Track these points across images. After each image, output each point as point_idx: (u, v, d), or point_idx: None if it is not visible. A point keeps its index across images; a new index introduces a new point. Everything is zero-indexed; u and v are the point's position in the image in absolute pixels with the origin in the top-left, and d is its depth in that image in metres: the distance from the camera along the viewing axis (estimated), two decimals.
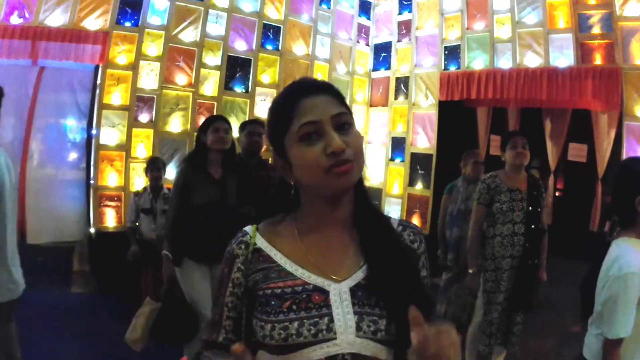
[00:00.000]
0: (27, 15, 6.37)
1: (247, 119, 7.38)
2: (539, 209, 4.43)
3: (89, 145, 7.29)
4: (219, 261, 3.45)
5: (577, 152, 9.87)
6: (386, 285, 1.28)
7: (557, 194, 10.65)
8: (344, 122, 1.28)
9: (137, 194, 6.13)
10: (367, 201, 1.41)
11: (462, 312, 5.39)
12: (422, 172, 8.40)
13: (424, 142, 8.39)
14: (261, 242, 1.37)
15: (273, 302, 1.25)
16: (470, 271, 4.49)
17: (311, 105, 1.27)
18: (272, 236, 1.38)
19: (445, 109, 8.28)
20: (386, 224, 1.42)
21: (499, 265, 4.33)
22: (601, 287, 2.37)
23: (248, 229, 1.41)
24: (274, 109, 1.37)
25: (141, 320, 4.20)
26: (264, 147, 5.08)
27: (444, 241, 5.78)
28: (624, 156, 6.22)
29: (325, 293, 1.27)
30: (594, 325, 2.46)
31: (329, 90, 1.32)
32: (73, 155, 7.51)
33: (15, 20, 6.33)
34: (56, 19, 6.47)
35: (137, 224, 6.05)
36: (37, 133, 7.16)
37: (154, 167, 6.03)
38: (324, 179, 1.24)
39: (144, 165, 6.73)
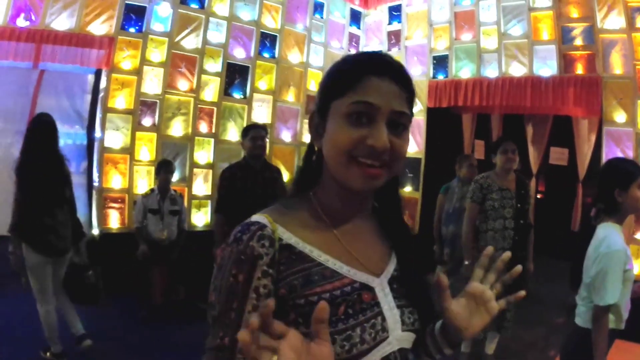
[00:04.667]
0: (33, 18, 6.40)
1: (244, 124, 7.66)
2: (527, 206, 4.86)
3: (90, 148, 7.48)
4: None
5: (558, 155, 10.26)
6: (415, 277, 1.25)
7: (538, 196, 11.01)
8: (400, 122, 1.13)
9: (145, 195, 6.31)
10: (396, 194, 1.33)
11: None
12: (411, 175, 8.68)
13: (412, 146, 8.64)
14: (287, 236, 1.12)
15: None
16: (466, 262, 4.87)
17: (378, 87, 1.10)
18: (294, 225, 1.15)
19: (433, 115, 8.57)
20: (404, 220, 1.35)
21: (492, 257, 4.68)
22: (591, 263, 2.84)
23: (260, 218, 1.13)
24: (338, 68, 1.18)
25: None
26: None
27: (440, 238, 6.11)
28: (604, 159, 6.59)
29: (371, 290, 1.15)
30: (584, 297, 2.92)
31: (405, 83, 1.15)
32: (76, 159, 7.72)
33: (21, 22, 6.35)
34: (62, 22, 6.54)
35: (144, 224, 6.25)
36: None
37: (168, 169, 6.27)
38: (346, 167, 1.10)
39: (149, 167, 7.03)
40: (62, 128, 7.40)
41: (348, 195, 1.18)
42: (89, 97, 7.62)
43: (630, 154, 6.44)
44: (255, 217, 1.14)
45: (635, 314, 3.06)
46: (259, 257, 1.07)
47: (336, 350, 1.04)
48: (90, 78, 7.58)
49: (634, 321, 3.07)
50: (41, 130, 4.67)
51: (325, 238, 1.17)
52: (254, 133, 5.18)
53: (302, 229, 1.15)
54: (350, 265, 1.16)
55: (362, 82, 1.10)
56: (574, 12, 6.99)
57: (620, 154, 6.47)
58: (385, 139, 1.08)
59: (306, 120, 8.65)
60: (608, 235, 2.83)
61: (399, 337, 1.16)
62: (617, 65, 6.64)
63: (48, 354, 4.72)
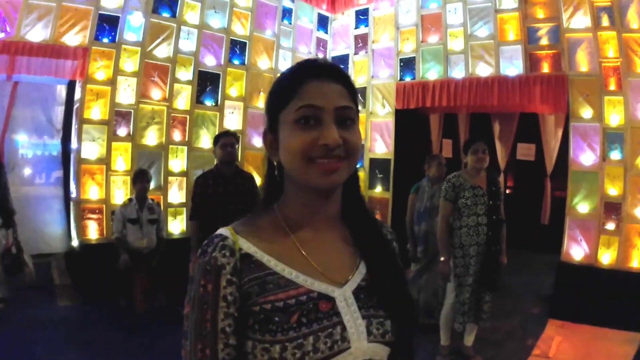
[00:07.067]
0: (8, 29, 6.32)
1: (217, 131, 7.71)
2: (498, 202, 5.04)
3: (65, 159, 7.52)
4: None
5: (525, 151, 10.55)
6: (386, 286, 1.23)
7: (507, 191, 11.24)
8: (347, 117, 1.17)
9: (123, 205, 6.34)
10: (358, 197, 1.35)
11: (433, 298, 5.98)
12: (381, 175, 8.82)
13: (382, 148, 8.79)
14: (247, 246, 1.17)
15: (277, 318, 1.09)
16: (442, 259, 5.04)
17: (318, 89, 1.16)
18: (255, 237, 1.19)
19: (401, 116, 8.71)
20: (376, 223, 1.37)
21: (467, 252, 4.92)
22: None
23: (224, 231, 1.19)
24: (279, 81, 1.25)
25: None
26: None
27: (413, 236, 6.25)
28: (571, 153, 6.82)
29: (331, 300, 1.16)
30: None
31: (342, 79, 1.21)
32: (48, 169, 7.75)
33: None
34: (37, 34, 6.49)
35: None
36: (10, 146, 7.37)
37: (144, 178, 6.29)
38: (306, 170, 1.15)
39: (125, 177, 7.08)
40: (34, 139, 7.47)
41: (310, 201, 1.22)
42: (61, 108, 7.64)
43: (597, 148, 6.69)
44: (220, 230, 1.19)
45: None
46: (222, 267, 1.12)
47: (287, 358, 1.07)
48: (60, 89, 7.61)
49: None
50: None
51: (285, 248, 1.20)
52: (224, 140, 5.29)
53: (263, 239, 1.19)
54: (309, 274, 1.17)
55: (303, 87, 1.16)
56: (540, 13, 7.19)
57: (587, 149, 6.75)
58: (336, 136, 1.13)
59: None
60: None
61: (364, 348, 1.15)
62: (582, 63, 6.85)
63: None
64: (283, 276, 1.15)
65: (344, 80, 1.21)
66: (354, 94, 1.22)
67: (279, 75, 1.28)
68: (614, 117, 6.62)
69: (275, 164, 1.28)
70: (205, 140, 7.99)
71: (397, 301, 1.23)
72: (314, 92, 1.15)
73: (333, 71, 1.21)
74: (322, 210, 1.24)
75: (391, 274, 1.26)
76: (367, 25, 9.10)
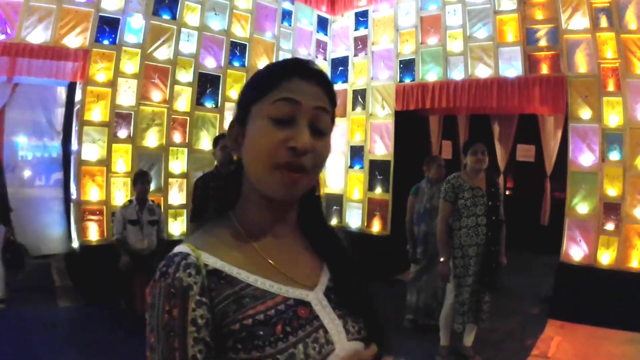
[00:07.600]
0: (8, 31, 6.30)
1: (217, 133, 7.75)
2: (498, 203, 5.05)
3: (66, 161, 7.53)
4: None
5: (525, 152, 10.59)
6: (352, 285, 1.22)
7: (507, 192, 11.26)
8: (321, 124, 1.12)
9: (123, 206, 6.29)
10: (317, 205, 1.31)
11: (433, 299, 6.00)
12: (381, 177, 8.83)
13: (381, 149, 8.82)
14: (213, 261, 1.08)
15: (262, 332, 1.02)
16: (442, 259, 5.05)
17: (301, 86, 1.11)
18: (218, 250, 1.11)
19: (400, 118, 8.74)
20: (329, 225, 1.35)
21: (466, 252, 4.93)
22: None
23: (182, 248, 1.09)
24: (261, 73, 1.17)
25: None
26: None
27: (412, 237, 6.26)
28: (571, 154, 6.85)
29: (307, 304, 1.12)
30: None
31: (327, 87, 1.16)
32: (48, 171, 7.76)
33: None
34: (37, 36, 6.48)
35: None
36: (10, 148, 7.39)
37: (144, 179, 6.25)
38: (268, 175, 1.08)
39: (125, 179, 7.07)
40: (34, 140, 7.48)
41: (270, 207, 1.16)
42: (61, 110, 7.64)
43: (596, 149, 6.72)
44: (178, 248, 1.09)
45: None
46: (189, 288, 1.01)
47: None
48: (60, 90, 7.62)
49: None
50: None
51: (250, 257, 1.13)
52: (224, 142, 5.24)
53: (226, 251, 1.11)
54: (281, 282, 1.12)
55: (286, 82, 1.10)
56: (539, 14, 7.22)
57: (586, 150, 6.77)
58: (307, 139, 1.07)
59: None
60: None
61: (346, 347, 1.13)
62: (581, 64, 6.87)
63: None
64: (257, 287, 1.08)
65: (327, 87, 1.16)
66: (334, 104, 1.19)
67: (261, 68, 1.20)
68: (613, 117, 6.64)
69: (235, 158, 1.22)
70: (205, 142, 7.99)
71: (362, 298, 1.22)
72: (295, 89, 1.10)
73: (321, 75, 1.16)
74: (284, 217, 1.20)
75: (354, 273, 1.26)
76: (366, 27, 9.14)
